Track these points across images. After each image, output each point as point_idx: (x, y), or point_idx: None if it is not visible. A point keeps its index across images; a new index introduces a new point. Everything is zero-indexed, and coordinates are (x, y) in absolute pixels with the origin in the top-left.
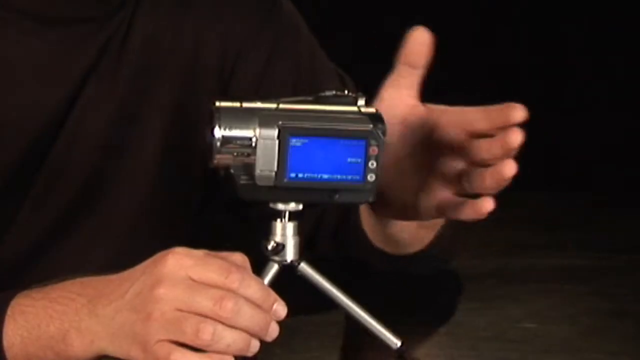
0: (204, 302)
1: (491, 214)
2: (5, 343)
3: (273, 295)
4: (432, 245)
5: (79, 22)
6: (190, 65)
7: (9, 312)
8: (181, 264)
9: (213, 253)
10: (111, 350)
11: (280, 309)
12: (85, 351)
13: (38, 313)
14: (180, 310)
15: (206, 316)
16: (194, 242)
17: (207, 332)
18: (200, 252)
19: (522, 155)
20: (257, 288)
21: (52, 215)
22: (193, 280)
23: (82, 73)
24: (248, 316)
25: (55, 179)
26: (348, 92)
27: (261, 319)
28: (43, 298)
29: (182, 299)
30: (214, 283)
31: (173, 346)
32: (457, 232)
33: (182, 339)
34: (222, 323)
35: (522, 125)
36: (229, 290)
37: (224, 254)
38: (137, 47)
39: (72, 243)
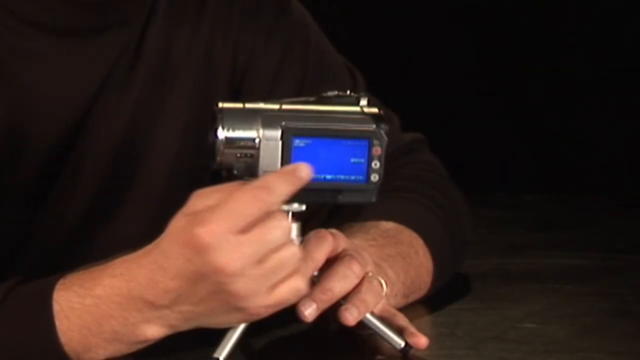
0: (266, 244)
1: (492, 214)
2: (62, 339)
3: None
4: (434, 287)
5: (92, 32)
6: (203, 73)
7: (56, 307)
8: (220, 233)
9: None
10: (199, 324)
11: None
12: (160, 334)
13: (92, 311)
14: (260, 263)
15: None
16: None
17: (291, 257)
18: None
19: (522, 157)
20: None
21: (68, 225)
22: (238, 235)
23: (96, 83)
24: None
25: (70, 189)
26: (357, 89)
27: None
28: (89, 295)
29: (251, 262)
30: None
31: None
32: (457, 252)
33: (276, 282)
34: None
35: (524, 127)
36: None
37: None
38: (151, 57)
39: (87, 252)
